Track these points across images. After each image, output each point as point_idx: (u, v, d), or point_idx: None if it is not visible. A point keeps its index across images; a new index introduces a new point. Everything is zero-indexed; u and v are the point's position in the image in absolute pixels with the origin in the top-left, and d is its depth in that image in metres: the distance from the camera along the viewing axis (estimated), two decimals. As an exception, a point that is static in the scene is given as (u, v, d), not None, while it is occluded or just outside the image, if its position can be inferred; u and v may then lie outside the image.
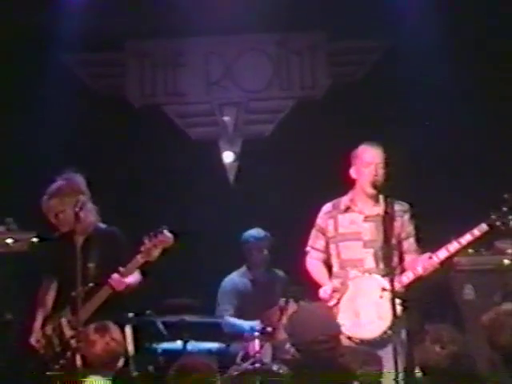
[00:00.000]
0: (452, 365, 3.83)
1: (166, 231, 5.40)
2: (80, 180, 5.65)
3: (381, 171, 5.38)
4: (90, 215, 5.61)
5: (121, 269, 5.43)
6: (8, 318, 6.34)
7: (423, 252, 5.42)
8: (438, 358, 3.83)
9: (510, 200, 5.28)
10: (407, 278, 5.31)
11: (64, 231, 5.62)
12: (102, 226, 5.70)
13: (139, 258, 5.42)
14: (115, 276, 5.42)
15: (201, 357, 4.94)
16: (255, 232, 6.96)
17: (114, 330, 4.47)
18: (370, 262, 5.41)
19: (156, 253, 5.41)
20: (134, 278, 5.53)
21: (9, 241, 6.56)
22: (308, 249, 5.67)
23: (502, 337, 3.56)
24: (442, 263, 5.32)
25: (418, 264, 5.32)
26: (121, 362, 4.50)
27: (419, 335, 4.03)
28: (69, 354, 5.41)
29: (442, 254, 5.29)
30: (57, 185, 5.63)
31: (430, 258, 5.29)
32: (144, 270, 5.62)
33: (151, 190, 7.51)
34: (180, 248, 6.74)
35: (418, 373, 3.93)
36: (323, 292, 5.43)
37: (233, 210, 7.44)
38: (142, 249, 5.41)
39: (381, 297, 5.23)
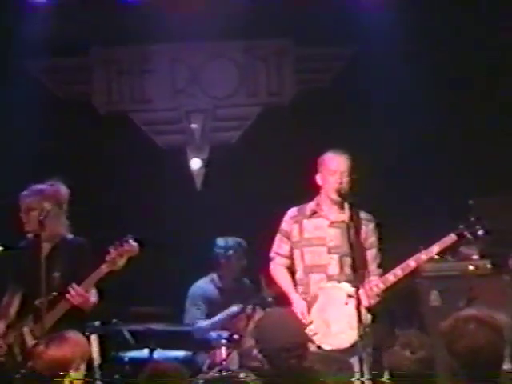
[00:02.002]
0: (422, 369, 3.83)
1: (131, 240, 5.39)
2: (64, 191, 5.65)
3: (346, 179, 5.40)
4: (58, 226, 5.58)
5: (76, 287, 5.38)
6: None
7: (386, 263, 5.46)
8: (408, 362, 3.83)
9: (477, 208, 5.32)
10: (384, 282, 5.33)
11: (29, 231, 5.58)
12: (70, 236, 5.66)
13: (104, 268, 5.39)
14: (76, 288, 5.37)
15: (171, 363, 4.92)
16: (234, 241, 6.90)
17: (67, 342, 4.41)
18: (334, 268, 5.42)
19: (121, 262, 5.39)
20: (93, 297, 5.49)
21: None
22: (272, 255, 5.66)
23: (461, 343, 3.55)
24: (412, 273, 5.38)
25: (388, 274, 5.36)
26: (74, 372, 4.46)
27: (388, 340, 4.02)
28: (30, 363, 5.37)
29: (412, 263, 5.32)
30: (41, 186, 5.63)
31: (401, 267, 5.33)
32: (109, 278, 5.60)
33: (117, 197, 7.46)
34: (146, 255, 6.74)
35: (387, 378, 3.93)
36: (300, 314, 5.38)
37: (200, 217, 7.41)
38: (108, 258, 5.38)
39: (346, 303, 5.25)
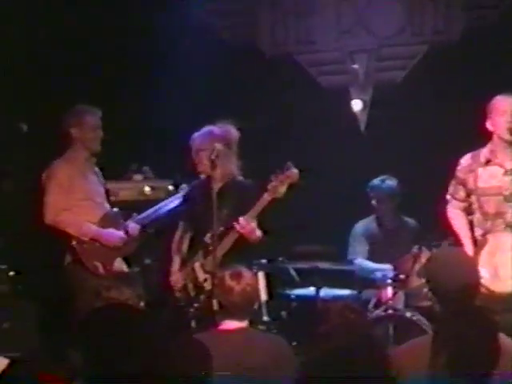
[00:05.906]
0: None
1: (291, 167, 5.48)
2: (233, 132, 5.78)
3: None
4: (228, 166, 5.73)
5: (242, 218, 5.51)
6: (147, 262, 6.57)
7: None
8: None
9: None
10: None
11: (200, 171, 5.77)
12: (240, 177, 5.82)
13: (266, 196, 5.50)
14: (242, 220, 5.51)
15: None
16: (384, 181, 6.93)
17: (248, 276, 4.57)
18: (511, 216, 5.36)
19: (282, 189, 5.48)
20: (258, 231, 5.60)
21: (146, 189, 6.77)
22: (448, 197, 5.67)
23: None
24: None
25: None
26: (256, 306, 4.62)
27: None
28: (202, 297, 5.59)
29: None
30: (211, 127, 5.81)
31: None
32: (277, 217, 5.70)
33: (281, 139, 7.54)
34: (312, 195, 6.83)
35: None
36: None
37: (363, 158, 7.40)
38: (269, 186, 5.49)
39: None
